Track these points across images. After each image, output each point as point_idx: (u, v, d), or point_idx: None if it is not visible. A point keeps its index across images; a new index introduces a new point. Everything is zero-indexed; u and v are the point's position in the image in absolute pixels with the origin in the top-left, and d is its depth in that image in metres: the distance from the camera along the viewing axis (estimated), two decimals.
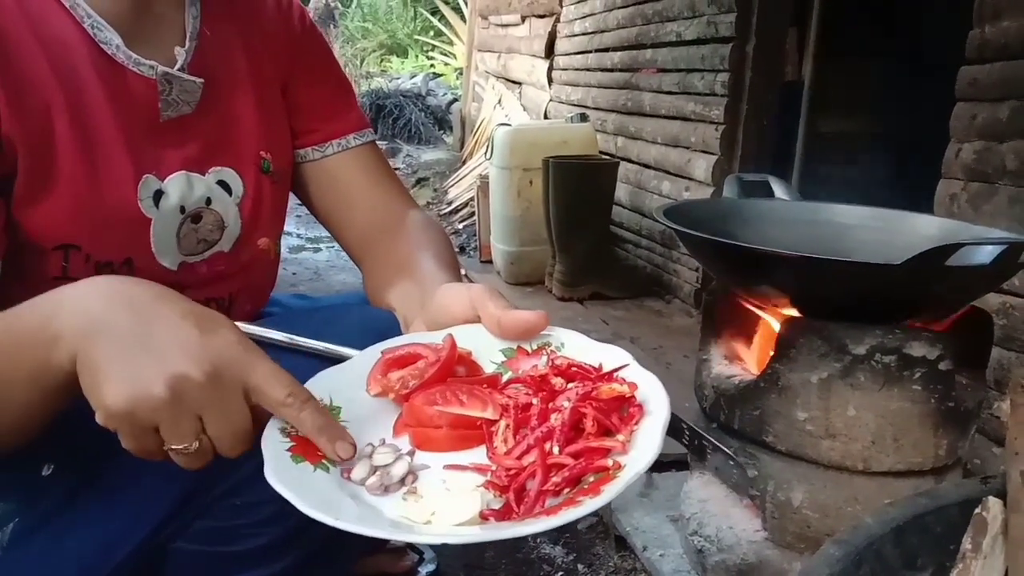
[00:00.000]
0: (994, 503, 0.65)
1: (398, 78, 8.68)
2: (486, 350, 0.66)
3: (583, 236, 2.77)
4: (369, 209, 0.96)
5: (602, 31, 3.49)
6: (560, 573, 1.41)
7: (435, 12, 9.24)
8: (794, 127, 2.59)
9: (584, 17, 3.72)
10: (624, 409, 0.57)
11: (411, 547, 1.30)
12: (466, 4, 6.84)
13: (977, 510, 0.65)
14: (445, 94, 7.65)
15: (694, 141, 2.69)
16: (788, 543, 1.09)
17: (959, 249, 0.93)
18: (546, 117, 4.11)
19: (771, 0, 2.43)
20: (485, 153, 3.33)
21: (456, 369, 0.63)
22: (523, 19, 4.70)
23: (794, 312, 1.10)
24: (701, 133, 2.65)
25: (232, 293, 0.89)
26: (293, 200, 0.98)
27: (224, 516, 0.75)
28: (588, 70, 3.65)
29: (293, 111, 0.94)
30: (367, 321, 0.81)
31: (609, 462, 0.53)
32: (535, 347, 0.65)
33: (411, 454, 0.59)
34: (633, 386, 0.58)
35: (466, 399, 0.59)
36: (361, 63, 9.55)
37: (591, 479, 0.53)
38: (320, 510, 0.50)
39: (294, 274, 3.38)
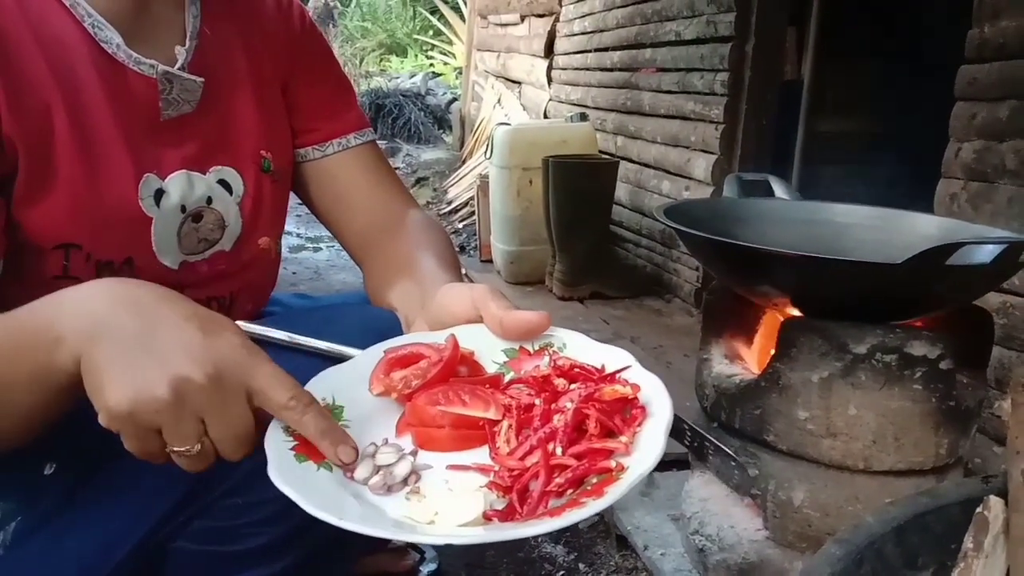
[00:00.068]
0: (995, 502, 0.65)
1: (397, 77, 8.68)
2: (488, 350, 0.66)
3: (583, 235, 2.77)
4: (369, 209, 0.96)
5: (601, 30, 3.49)
6: (561, 572, 1.42)
7: (434, 11, 9.24)
8: (793, 126, 2.59)
9: (583, 16, 3.72)
10: (627, 411, 0.57)
11: (412, 546, 1.30)
12: (465, 3, 6.83)
13: (978, 509, 0.65)
14: (445, 93, 7.65)
15: (694, 140, 2.69)
16: (789, 542, 1.09)
17: (959, 248, 0.93)
18: (546, 116, 4.11)
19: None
20: (485, 152, 3.33)
21: (458, 369, 0.63)
22: (522, 18, 4.70)
23: (795, 311, 1.10)
24: (701, 132, 2.65)
25: (233, 292, 0.89)
26: (293, 199, 0.98)
27: (224, 516, 0.75)
28: (587, 69, 3.65)
29: (293, 110, 0.94)
30: (368, 320, 0.81)
31: (612, 463, 0.53)
32: (537, 348, 0.65)
33: (414, 454, 0.59)
34: (636, 387, 0.58)
35: (468, 399, 0.59)
36: (360, 62, 9.54)
37: (594, 480, 0.53)
38: (324, 510, 0.50)
39: (294, 273, 3.38)
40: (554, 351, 0.65)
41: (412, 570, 1.28)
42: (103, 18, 0.74)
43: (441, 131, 7.04)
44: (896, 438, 1.02)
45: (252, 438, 0.58)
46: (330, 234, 1.00)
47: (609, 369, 0.61)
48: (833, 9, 2.58)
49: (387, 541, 1.22)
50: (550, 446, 0.55)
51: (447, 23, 8.40)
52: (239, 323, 0.63)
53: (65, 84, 0.73)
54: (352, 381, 0.63)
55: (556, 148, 2.90)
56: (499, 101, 4.83)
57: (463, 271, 3.07)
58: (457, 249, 3.57)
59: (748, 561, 1.11)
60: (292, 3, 0.95)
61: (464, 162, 5.10)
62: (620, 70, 3.27)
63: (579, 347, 0.65)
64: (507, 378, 0.64)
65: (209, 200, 0.84)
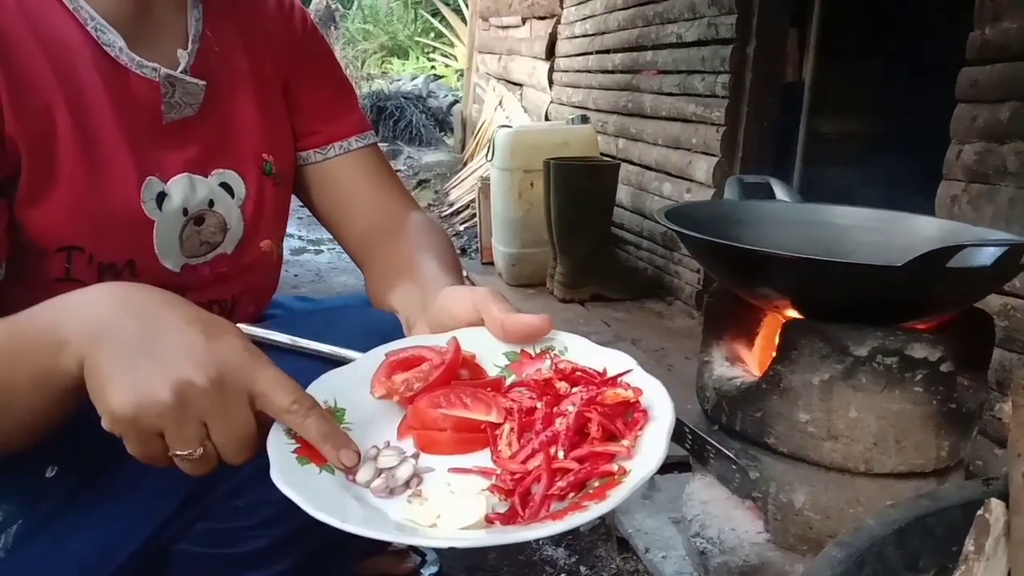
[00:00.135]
0: (996, 505, 0.65)
1: (399, 80, 8.69)
2: (489, 353, 0.66)
3: (584, 238, 2.77)
4: (370, 211, 0.96)
5: (603, 33, 3.49)
6: (563, 575, 1.41)
7: (436, 14, 9.25)
8: (795, 128, 2.59)
9: (585, 19, 3.73)
10: (628, 414, 0.57)
11: (413, 549, 1.30)
12: (467, 6, 6.84)
13: (979, 512, 0.65)
14: (446, 96, 7.65)
15: (695, 143, 2.69)
16: (790, 545, 1.09)
17: (960, 251, 0.93)
18: (547, 119, 4.11)
19: (771, 1, 2.43)
20: (486, 155, 3.34)
21: (460, 372, 0.63)
22: (524, 21, 4.70)
23: (795, 314, 1.10)
24: (702, 134, 2.65)
25: (235, 295, 0.89)
26: (295, 202, 0.98)
27: (225, 518, 0.75)
28: (589, 72, 3.65)
29: (294, 113, 0.94)
30: (369, 323, 0.81)
31: (614, 467, 0.53)
32: (539, 351, 0.65)
33: (416, 457, 0.59)
34: (638, 391, 0.58)
35: (470, 402, 0.59)
36: (362, 65, 9.55)
37: (596, 484, 0.53)
38: (326, 512, 0.50)
39: (296, 276, 3.39)
40: (555, 354, 0.65)
41: (413, 573, 1.28)
42: (106, 21, 0.75)
43: (442, 133, 7.05)
44: (897, 440, 1.02)
45: (254, 442, 0.58)
46: (331, 236, 1.01)
47: (611, 373, 0.61)
48: (834, 11, 2.58)
49: (388, 544, 1.22)
50: (552, 449, 0.55)
51: (448, 25, 8.42)
52: (240, 326, 0.64)
53: (67, 86, 0.73)
54: (354, 384, 0.63)
55: (557, 150, 2.90)
56: (500, 103, 4.83)
57: (464, 273, 3.07)
58: (458, 251, 3.59)
59: (749, 564, 1.11)
60: (294, 6, 0.95)
61: (465, 164, 5.11)
62: (621, 72, 3.27)
63: (581, 350, 0.65)
64: (508, 381, 0.64)
65: (211, 203, 0.84)
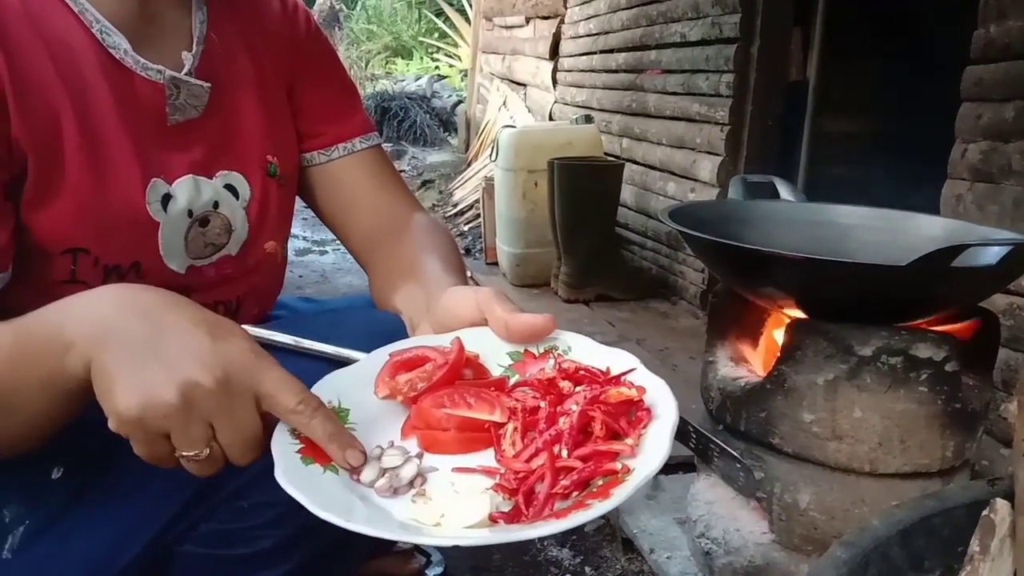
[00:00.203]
0: (1002, 505, 0.64)
1: (403, 80, 8.70)
2: (493, 353, 0.66)
3: (588, 238, 2.77)
4: (374, 212, 0.96)
5: (606, 32, 3.49)
6: (567, 575, 1.42)
7: (439, 14, 9.26)
8: (799, 127, 2.59)
9: (588, 18, 3.73)
10: (632, 413, 0.58)
11: (418, 549, 1.30)
12: (470, 6, 6.85)
13: (985, 512, 0.65)
14: (450, 96, 7.66)
15: (699, 142, 2.69)
16: (795, 545, 1.09)
17: (965, 250, 0.93)
18: (551, 119, 4.11)
19: (775, 1, 2.43)
20: (490, 155, 3.33)
21: (463, 372, 0.64)
22: (527, 21, 4.70)
23: (800, 314, 1.09)
24: (706, 134, 2.64)
25: (239, 296, 0.90)
26: (299, 203, 0.99)
27: (230, 519, 0.76)
28: (593, 71, 3.65)
29: (298, 115, 0.94)
30: (373, 324, 0.81)
31: (618, 465, 0.53)
32: (542, 351, 0.66)
33: (420, 456, 0.59)
34: (641, 390, 0.58)
35: (474, 402, 0.60)
36: (366, 65, 9.57)
37: (600, 482, 0.53)
38: (330, 511, 0.50)
39: (300, 276, 3.39)
40: (559, 354, 0.65)
41: (418, 573, 1.28)
42: (110, 23, 0.75)
43: (446, 133, 7.05)
44: (902, 440, 1.02)
45: (260, 442, 0.58)
46: (335, 237, 1.01)
47: (614, 372, 0.61)
48: (838, 10, 2.57)
49: (393, 544, 1.22)
50: (556, 448, 0.55)
51: (452, 26, 8.42)
52: (245, 327, 0.64)
53: (73, 89, 0.73)
54: (358, 384, 0.64)
55: (561, 150, 2.90)
56: (504, 103, 4.84)
57: (468, 274, 3.07)
58: (463, 251, 3.59)
59: (754, 564, 1.11)
60: (297, 7, 0.95)
61: (469, 164, 5.11)
62: (625, 72, 3.27)
63: (584, 350, 0.65)
64: (512, 381, 0.64)
65: (216, 205, 0.84)
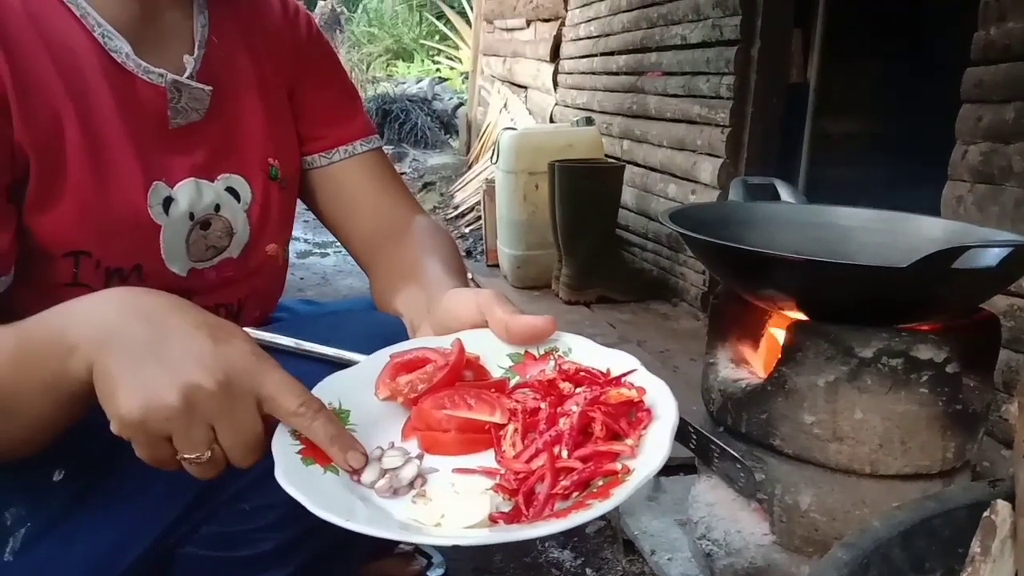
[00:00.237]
0: (1003, 506, 0.64)
1: (404, 83, 8.71)
2: (493, 355, 0.66)
3: (589, 239, 2.77)
4: (375, 215, 0.97)
5: (607, 35, 3.49)
6: None
7: (440, 17, 9.27)
8: (799, 129, 2.59)
9: (589, 21, 3.73)
10: (632, 414, 0.58)
11: (419, 551, 1.30)
12: (471, 8, 6.85)
13: (986, 513, 0.64)
14: (451, 98, 7.67)
15: (700, 144, 2.69)
16: (796, 547, 1.09)
17: (965, 252, 0.93)
18: (552, 121, 4.12)
19: (775, 3, 2.43)
20: (491, 157, 3.34)
21: (464, 374, 0.64)
22: (528, 23, 4.71)
23: (800, 315, 1.10)
24: (707, 136, 2.65)
25: (241, 299, 0.90)
26: (300, 205, 0.99)
27: (231, 521, 0.76)
28: (593, 74, 3.65)
29: (299, 117, 0.94)
30: (374, 326, 0.81)
31: (618, 466, 0.53)
32: (543, 352, 0.66)
33: (420, 457, 0.59)
34: (641, 390, 0.58)
35: (474, 403, 0.60)
36: (367, 68, 9.57)
37: (600, 483, 0.53)
38: (331, 512, 0.50)
39: (302, 279, 3.40)
40: (559, 355, 0.65)
41: (419, 575, 1.29)
42: (112, 27, 0.75)
43: (447, 136, 7.06)
44: (903, 442, 1.02)
45: (262, 444, 0.58)
46: (337, 240, 1.01)
47: (614, 373, 0.61)
48: (838, 11, 2.58)
49: (394, 545, 1.22)
50: (556, 449, 0.55)
51: (453, 28, 8.43)
52: (247, 330, 0.64)
53: (75, 92, 0.73)
54: (358, 385, 0.64)
55: (562, 152, 2.91)
56: (505, 106, 4.84)
57: (469, 276, 3.07)
58: (464, 254, 3.60)
59: (755, 565, 1.11)
60: (299, 11, 0.96)
61: (470, 167, 5.12)
62: (626, 74, 3.28)
63: (584, 351, 0.65)
64: (512, 382, 0.64)
65: (217, 207, 0.84)
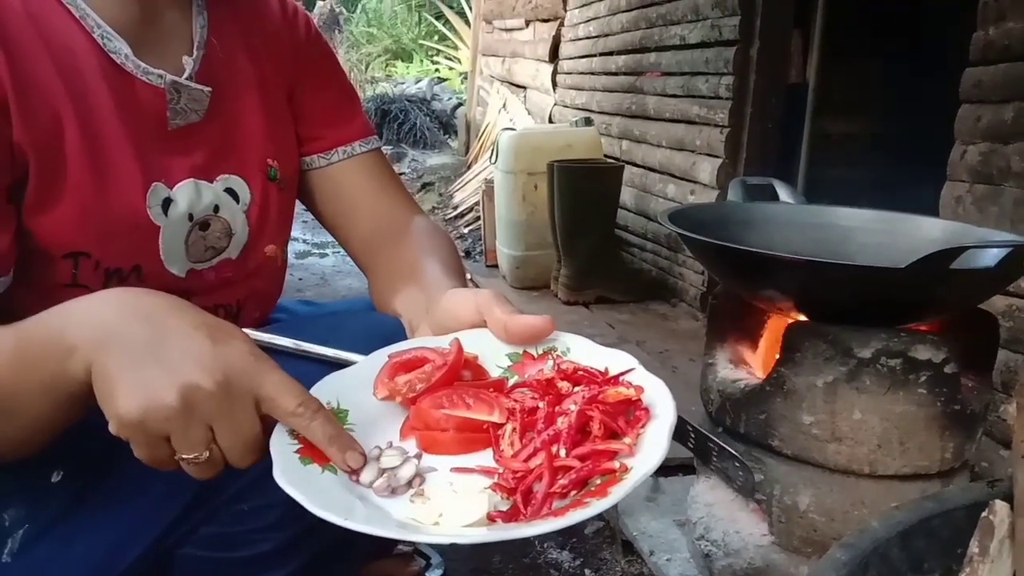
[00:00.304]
0: (1001, 506, 0.64)
1: (403, 83, 8.71)
2: (492, 355, 0.66)
3: (588, 240, 2.77)
4: (374, 216, 0.97)
5: (606, 35, 3.49)
6: None
7: (439, 17, 9.27)
8: (799, 130, 2.59)
9: (588, 21, 3.73)
10: (630, 412, 0.58)
11: (418, 552, 1.30)
12: (470, 9, 6.86)
13: (984, 514, 0.65)
14: (450, 98, 7.67)
15: (699, 144, 2.69)
16: (795, 547, 1.09)
17: (964, 252, 0.93)
18: (551, 121, 4.12)
19: (774, 3, 2.43)
20: (490, 157, 3.34)
21: (462, 373, 0.64)
22: (527, 23, 4.71)
23: (799, 316, 1.10)
24: (706, 136, 2.65)
25: (240, 300, 0.90)
26: (299, 205, 0.99)
27: (230, 522, 0.76)
28: (592, 74, 3.65)
29: (299, 118, 0.94)
30: (373, 327, 0.81)
31: (616, 464, 0.53)
32: (541, 352, 0.66)
33: (418, 457, 0.59)
34: (639, 389, 0.58)
35: (472, 403, 0.60)
36: (366, 68, 9.58)
37: (598, 481, 0.53)
38: (329, 511, 0.50)
39: (300, 279, 3.40)
40: (558, 355, 0.65)
41: None
42: (112, 29, 0.75)
43: (446, 136, 7.06)
44: (901, 442, 1.02)
45: (260, 445, 0.58)
46: (335, 240, 1.01)
47: (613, 372, 0.61)
48: (838, 11, 2.58)
49: (392, 546, 1.22)
50: (554, 448, 0.55)
51: (452, 28, 8.43)
52: (246, 331, 0.64)
53: (75, 93, 0.74)
54: (356, 385, 0.64)
55: (561, 152, 2.91)
56: (504, 106, 4.84)
57: (468, 276, 3.07)
58: (463, 254, 3.60)
59: (754, 566, 1.11)
60: (298, 12, 0.96)
61: (469, 167, 5.12)
62: (625, 74, 3.28)
63: (583, 351, 0.65)
64: (511, 382, 0.64)
65: (216, 208, 0.84)
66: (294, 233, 1.03)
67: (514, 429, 0.58)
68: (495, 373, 0.65)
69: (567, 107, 3.94)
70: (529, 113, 4.53)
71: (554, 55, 4.20)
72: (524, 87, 4.74)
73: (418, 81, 8.61)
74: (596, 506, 0.50)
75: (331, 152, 0.96)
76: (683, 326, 2.64)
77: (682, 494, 1.35)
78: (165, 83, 0.78)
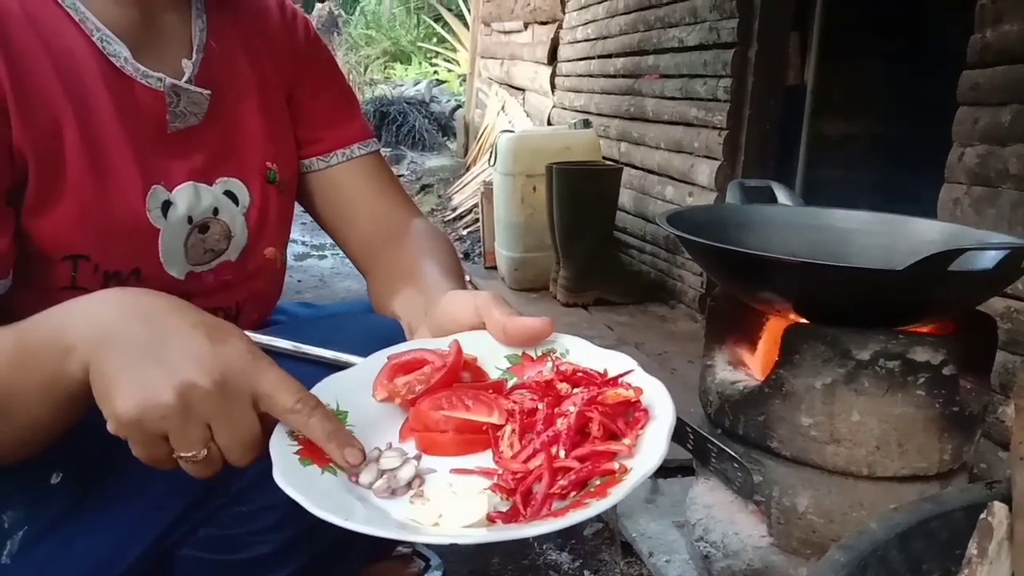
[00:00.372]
0: (1000, 508, 0.65)
1: (402, 85, 8.71)
2: (491, 356, 0.66)
3: (587, 242, 2.77)
4: (373, 218, 0.97)
5: (604, 37, 3.50)
6: None
7: (438, 19, 9.28)
8: (797, 131, 2.60)
9: (586, 23, 3.74)
10: (629, 414, 0.58)
11: (417, 554, 1.30)
12: (469, 11, 6.86)
13: (983, 515, 0.65)
14: (449, 101, 7.67)
15: (697, 146, 2.69)
16: (794, 549, 1.09)
17: (962, 254, 0.93)
18: (549, 123, 4.12)
19: (772, 5, 2.44)
20: (489, 159, 3.34)
21: (461, 375, 0.64)
22: (526, 26, 4.72)
23: (798, 318, 1.10)
24: (704, 138, 2.65)
25: (239, 302, 0.90)
26: (298, 207, 0.99)
27: (230, 524, 0.76)
28: (591, 76, 3.66)
29: (297, 121, 0.95)
30: (371, 329, 0.81)
31: (615, 465, 0.53)
32: (540, 353, 0.66)
33: (418, 458, 0.59)
34: (638, 391, 0.58)
35: (472, 404, 0.60)
36: (365, 70, 9.58)
37: (597, 482, 0.53)
38: (328, 511, 0.50)
39: (299, 281, 3.39)
40: (557, 357, 0.65)
41: None
42: (111, 32, 0.75)
43: (445, 138, 7.06)
44: (900, 444, 1.02)
45: (259, 443, 0.58)
46: (335, 243, 1.01)
47: (612, 373, 0.61)
48: (836, 13, 2.58)
49: (392, 548, 1.22)
50: (553, 449, 0.56)
51: (451, 31, 8.44)
52: (246, 333, 0.64)
53: (75, 97, 0.74)
54: (356, 387, 0.64)
55: (560, 155, 2.91)
56: (503, 108, 4.85)
57: (467, 278, 3.07)
58: (461, 256, 3.60)
59: (753, 568, 1.11)
60: (296, 15, 0.96)
61: (468, 169, 5.12)
62: (623, 76, 3.28)
63: (582, 352, 0.65)
64: (510, 383, 0.64)
65: (215, 211, 0.84)
66: (293, 235, 1.03)
67: (513, 430, 0.58)
68: (494, 375, 0.65)
69: (566, 109, 3.94)
70: (528, 115, 4.53)
71: (552, 57, 4.20)
72: (523, 89, 4.74)
73: (417, 83, 8.61)
74: (596, 507, 0.50)
75: (330, 155, 0.96)
76: (682, 328, 2.64)
77: (681, 495, 1.35)
78: (164, 86, 0.78)
